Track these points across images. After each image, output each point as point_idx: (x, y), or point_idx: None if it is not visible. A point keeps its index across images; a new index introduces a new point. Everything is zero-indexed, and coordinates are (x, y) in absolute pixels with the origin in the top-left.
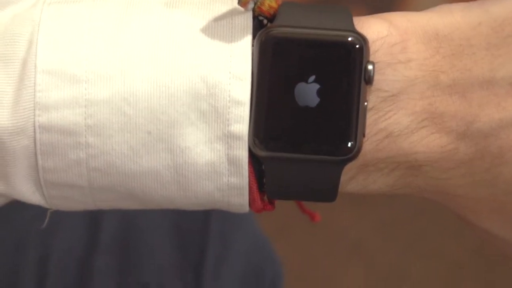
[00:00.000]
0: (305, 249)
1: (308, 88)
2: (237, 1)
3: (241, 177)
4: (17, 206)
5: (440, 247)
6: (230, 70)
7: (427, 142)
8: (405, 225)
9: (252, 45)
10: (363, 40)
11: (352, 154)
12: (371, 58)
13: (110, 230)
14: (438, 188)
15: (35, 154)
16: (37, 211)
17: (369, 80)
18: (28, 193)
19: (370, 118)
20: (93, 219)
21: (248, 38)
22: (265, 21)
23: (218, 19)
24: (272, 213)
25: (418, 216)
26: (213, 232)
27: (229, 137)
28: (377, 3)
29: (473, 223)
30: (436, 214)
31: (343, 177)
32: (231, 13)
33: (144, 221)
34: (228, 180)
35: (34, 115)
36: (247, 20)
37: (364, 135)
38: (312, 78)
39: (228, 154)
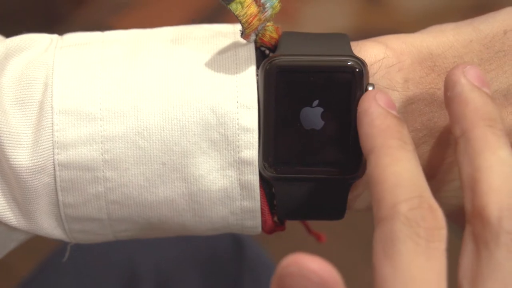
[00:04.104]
0: None
1: (313, 112)
2: (240, 34)
3: (253, 200)
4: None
5: None
6: (238, 99)
7: (428, 157)
8: None
9: (257, 75)
10: (362, 63)
11: (358, 173)
12: (370, 80)
13: None
14: (440, 200)
15: (56, 190)
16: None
17: None
18: (50, 228)
19: None
20: None
21: (253, 68)
22: (267, 51)
23: (222, 52)
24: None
25: None
26: None
27: (240, 163)
28: None
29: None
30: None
31: (350, 195)
32: (234, 46)
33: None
34: (241, 204)
35: (53, 153)
36: (250, 51)
37: None
38: (316, 102)
39: (240, 179)
